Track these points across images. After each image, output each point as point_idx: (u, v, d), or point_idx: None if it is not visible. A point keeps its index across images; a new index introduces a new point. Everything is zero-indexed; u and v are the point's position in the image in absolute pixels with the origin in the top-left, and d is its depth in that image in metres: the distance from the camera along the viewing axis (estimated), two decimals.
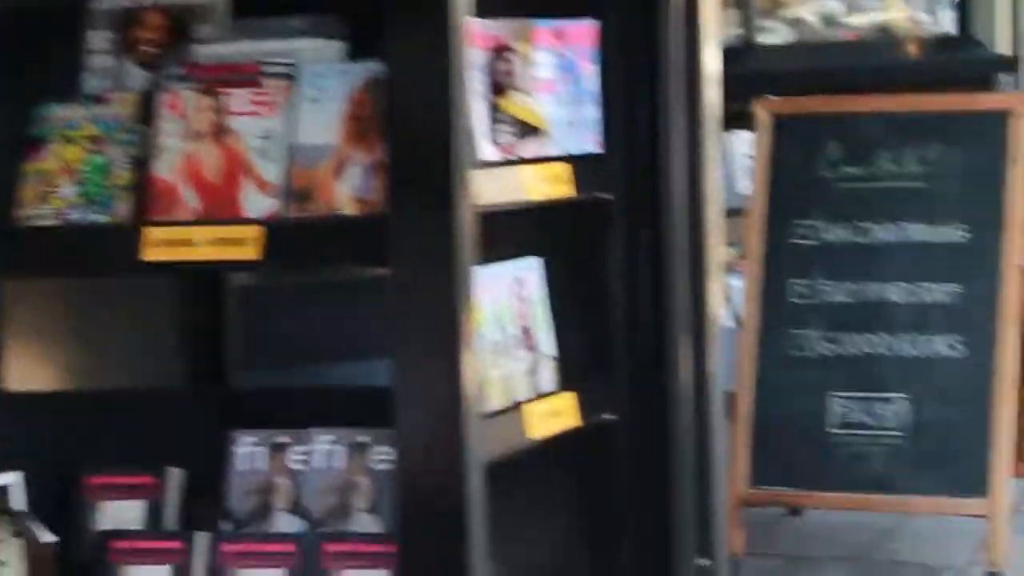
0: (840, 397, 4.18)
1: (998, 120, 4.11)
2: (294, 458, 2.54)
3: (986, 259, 4.07)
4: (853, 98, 4.34)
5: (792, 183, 4.29)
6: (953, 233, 4.13)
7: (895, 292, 4.17)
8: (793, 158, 4.30)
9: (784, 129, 4.32)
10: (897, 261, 4.16)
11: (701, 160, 2.87)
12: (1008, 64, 7.05)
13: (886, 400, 4.14)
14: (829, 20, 7.30)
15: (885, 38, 8.05)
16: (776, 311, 4.27)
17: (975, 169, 4.13)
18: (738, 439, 4.22)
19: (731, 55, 4.49)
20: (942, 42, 7.77)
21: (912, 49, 7.65)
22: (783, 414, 4.22)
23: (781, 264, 4.29)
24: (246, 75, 2.51)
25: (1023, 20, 8.34)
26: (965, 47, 7.28)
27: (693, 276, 2.87)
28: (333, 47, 2.57)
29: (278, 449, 2.55)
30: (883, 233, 4.19)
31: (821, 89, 5.27)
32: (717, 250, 2.91)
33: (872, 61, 7.09)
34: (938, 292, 4.12)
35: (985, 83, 6.79)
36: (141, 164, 2.53)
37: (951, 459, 4.04)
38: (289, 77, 2.49)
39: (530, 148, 2.63)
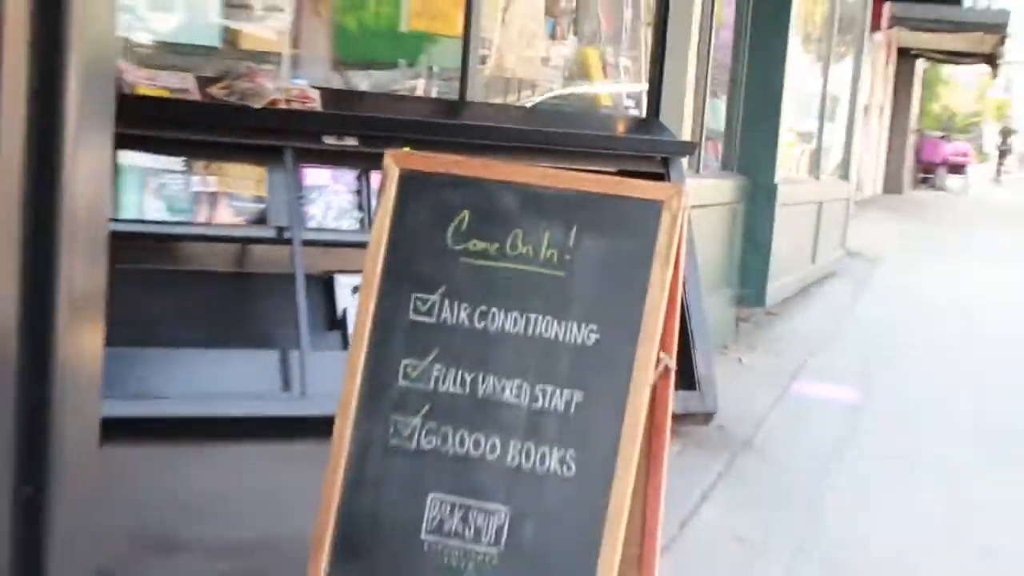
0: (440, 499, 3.66)
1: (650, 211, 3.63)
2: None
3: (614, 367, 3.59)
4: (489, 163, 3.78)
5: (416, 250, 3.76)
6: (582, 332, 3.64)
7: (512, 391, 3.65)
8: (419, 221, 3.77)
9: (412, 186, 3.79)
10: (519, 356, 3.65)
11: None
12: (687, 147, 6.75)
13: (486, 511, 3.62)
14: None
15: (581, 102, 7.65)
16: (380, 391, 3.73)
17: (618, 262, 3.63)
18: (321, 526, 3.67)
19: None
20: (632, 120, 7.62)
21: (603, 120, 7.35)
22: (374, 509, 3.67)
23: (393, 339, 3.75)
24: None
25: (704, 112, 8.18)
26: (651, 128, 6.98)
27: None
28: None
29: None
30: (507, 322, 3.68)
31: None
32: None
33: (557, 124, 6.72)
34: (557, 398, 3.62)
35: (667, 165, 6.45)
36: None
37: None
38: None
39: None
